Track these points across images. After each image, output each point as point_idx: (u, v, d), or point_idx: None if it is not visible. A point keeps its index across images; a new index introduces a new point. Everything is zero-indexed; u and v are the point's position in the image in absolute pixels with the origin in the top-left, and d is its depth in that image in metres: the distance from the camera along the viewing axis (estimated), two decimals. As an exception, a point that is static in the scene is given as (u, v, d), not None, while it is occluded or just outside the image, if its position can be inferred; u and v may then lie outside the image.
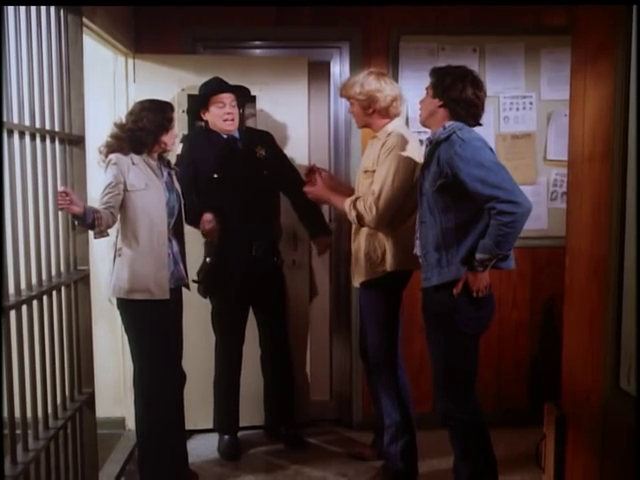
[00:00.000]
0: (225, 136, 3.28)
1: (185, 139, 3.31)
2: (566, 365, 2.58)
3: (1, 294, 1.88)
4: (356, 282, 3.02)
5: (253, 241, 3.28)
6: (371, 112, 2.89)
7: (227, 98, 3.20)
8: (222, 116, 3.21)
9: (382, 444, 3.08)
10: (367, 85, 2.85)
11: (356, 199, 2.85)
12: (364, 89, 2.85)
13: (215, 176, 3.22)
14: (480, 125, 2.55)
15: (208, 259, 3.26)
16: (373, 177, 2.84)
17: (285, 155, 3.44)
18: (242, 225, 3.21)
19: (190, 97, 3.37)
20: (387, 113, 2.90)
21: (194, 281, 3.20)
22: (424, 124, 2.64)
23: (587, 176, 2.38)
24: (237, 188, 3.23)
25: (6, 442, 1.95)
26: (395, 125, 2.92)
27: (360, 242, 2.94)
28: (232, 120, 3.23)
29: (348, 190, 3.14)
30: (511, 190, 2.31)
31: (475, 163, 2.35)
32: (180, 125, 3.28)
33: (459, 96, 2.45)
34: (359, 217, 2.83)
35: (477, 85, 2.49)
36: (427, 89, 2.57)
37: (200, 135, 3.35)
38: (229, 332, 3.37)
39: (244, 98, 3.36)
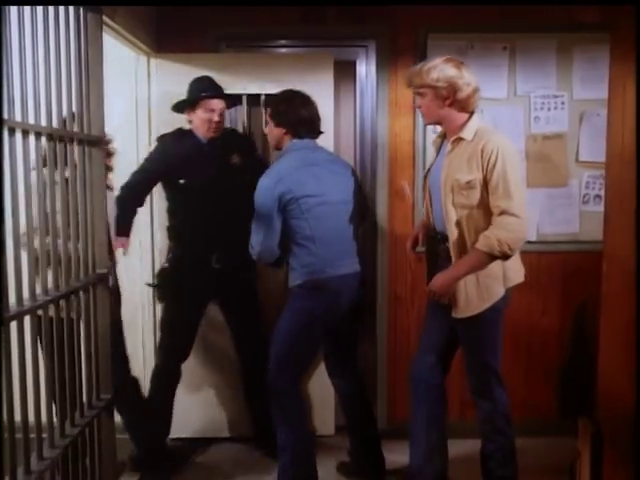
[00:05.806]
0: (204, 140, 3.11)
1: (159, 139, 3.17)
2: (602, 378, 2.46)
3: (2, 298, 1.83)
4: (462, 315, 2.57)
5: (213, 253, 3.11)
6: (449, 104, 2.51)
7: (217, 104, 3.06)
8: (207, 123, 3.05)
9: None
10: (448, 71, 2.47)
11: (488, 230, 2.42)
12: (444, 75, 2.47)
13: (181, 182, 3.05)
14: (322, 133, 2.87)
15: (166, 264, 3.15)
16: (475, 187, 2.47)
17: (261, 160, 3.30)
18: (201, 236, 3.07)
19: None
20: (466, 106, 2.51)
21: (150, 284, 3.27)
22: (276, 149, 2.88)
23: (627, 178, 2.26)
24: (203, 196, 3.06)
25: (20, 450, 1.90)
26: (477, 122, 2.54)
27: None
28: (216, 129, 3.09)
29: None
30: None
31: None
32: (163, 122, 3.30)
33: (296, 117, 2.76)
34: (508, 247, 2.40)
35: (306, 103, 2.80)
36: (267, 120, 2.83)
37: (175, 137, 3.15)
38: (173, 342, 3.18)
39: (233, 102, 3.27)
